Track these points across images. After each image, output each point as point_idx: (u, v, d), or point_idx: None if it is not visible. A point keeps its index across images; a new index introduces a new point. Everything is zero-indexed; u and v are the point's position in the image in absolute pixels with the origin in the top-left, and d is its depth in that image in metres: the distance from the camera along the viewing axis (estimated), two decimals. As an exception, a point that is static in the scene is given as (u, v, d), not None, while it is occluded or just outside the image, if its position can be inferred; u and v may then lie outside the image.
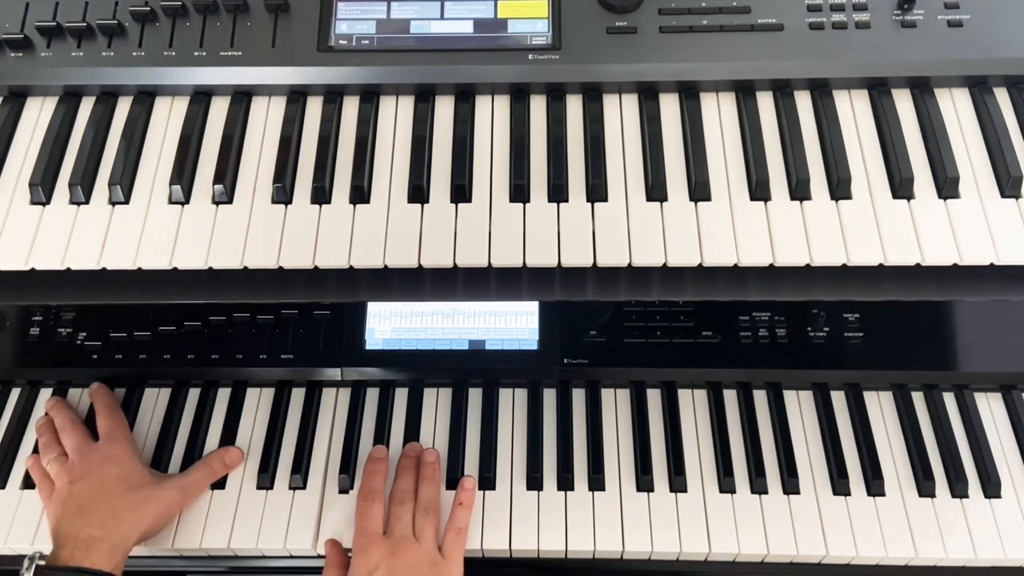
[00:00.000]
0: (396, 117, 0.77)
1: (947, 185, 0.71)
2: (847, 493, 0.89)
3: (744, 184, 0.73)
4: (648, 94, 0.77)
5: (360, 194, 0.73)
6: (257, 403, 0.99)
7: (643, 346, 0.97)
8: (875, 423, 0.94)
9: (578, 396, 0.98)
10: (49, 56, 0.77)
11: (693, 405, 0.96)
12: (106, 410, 0.94)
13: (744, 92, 0.77)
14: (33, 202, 0.74)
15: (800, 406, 0.96)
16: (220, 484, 0.92)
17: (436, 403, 0.98)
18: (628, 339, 0.97)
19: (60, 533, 0.80)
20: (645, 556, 0.87)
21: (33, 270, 0.71)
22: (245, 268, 0.71)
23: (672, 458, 0.92)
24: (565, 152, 0.74)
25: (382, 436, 0.95)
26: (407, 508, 0.87)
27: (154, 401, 0.99)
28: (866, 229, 0.70)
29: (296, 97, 0.78)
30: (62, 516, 0.82)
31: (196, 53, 0.77)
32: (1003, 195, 0.72)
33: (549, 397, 0.98)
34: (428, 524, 0.86)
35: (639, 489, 0.90)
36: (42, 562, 0.77)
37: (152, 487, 0.86)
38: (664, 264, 0.69)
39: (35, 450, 0.94)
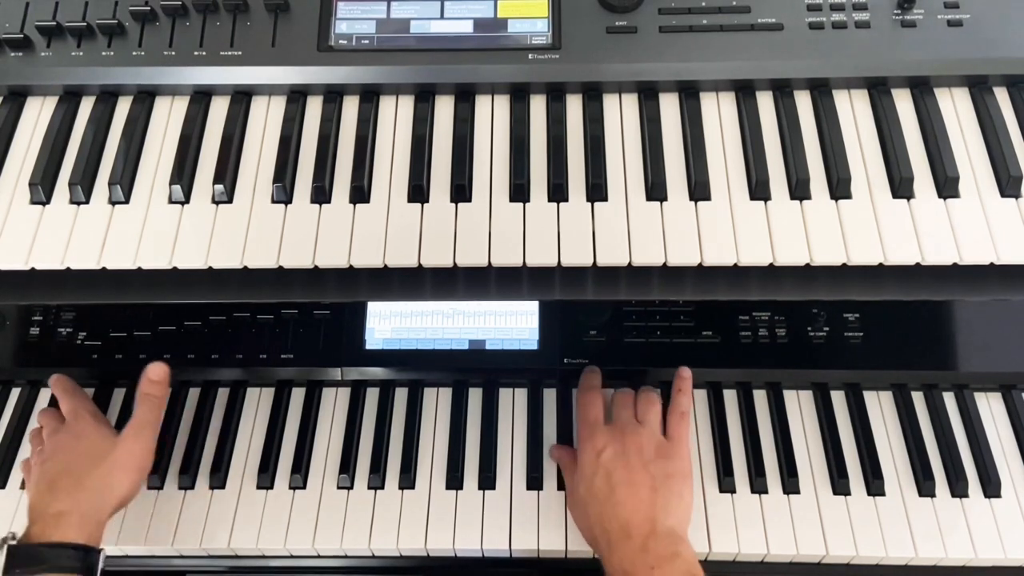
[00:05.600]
0: (396, 117, 0.77)
1: (947, 185, 0.71)
2: (847, 493, 0.89)
3: (744, 184, 0.73)
4: (648, 94, 0.77)
5: (360, 194, 0.73)
6: (257, 403, 0.99)
7: (643, 346, 0.97)
8: (875, 423, 0.94)
9: (578, 396, 0.98)
10: (49, 56, 0.77)
11: (693, 405, 0.96)
12: (65, 394, 0.94)
13: (744, 92, 0.77)
14: (33, 202, 0.74)
15: (800, 406, 0.96)
16: (220, 484, 0.92)
17: (436, 403, 0.98)
18: (628, 339, 0.97)
19: (32, 512, 0.80)
20: (645, 556, 0.87)
21: (33, 270, 0.71)
22: (245, 268, 0.71)
23: (672, 458, 0.91)
24: (565, 152, 0.74)
25: (382, 436, 0.94)
26: (628, 397, 0.90)
27: (154, 401, 0.99)
28: (866, 229, 0.70)
29: (296, 97, 0.78)
30: (34, 495, 0.82)
31: (196, 53, 0.77)
32: (1003, 195, 0.72)
33: (549, 397, 0.98)
34: (651, 409, 0.89)
35: (639, 489, 0.90)
36: (14, 542, 0.76)
37: (114, 450, 0.85)
38: (664, 264, 0.69)
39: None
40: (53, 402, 0.99)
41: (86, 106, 0.79)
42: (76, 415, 0.91)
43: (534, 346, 0.97)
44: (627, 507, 0.79)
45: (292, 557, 0.91)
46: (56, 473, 0.83)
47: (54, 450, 0.86)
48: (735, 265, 0.69)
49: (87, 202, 0.74)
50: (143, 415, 0.88)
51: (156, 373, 0.90)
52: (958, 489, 0.89)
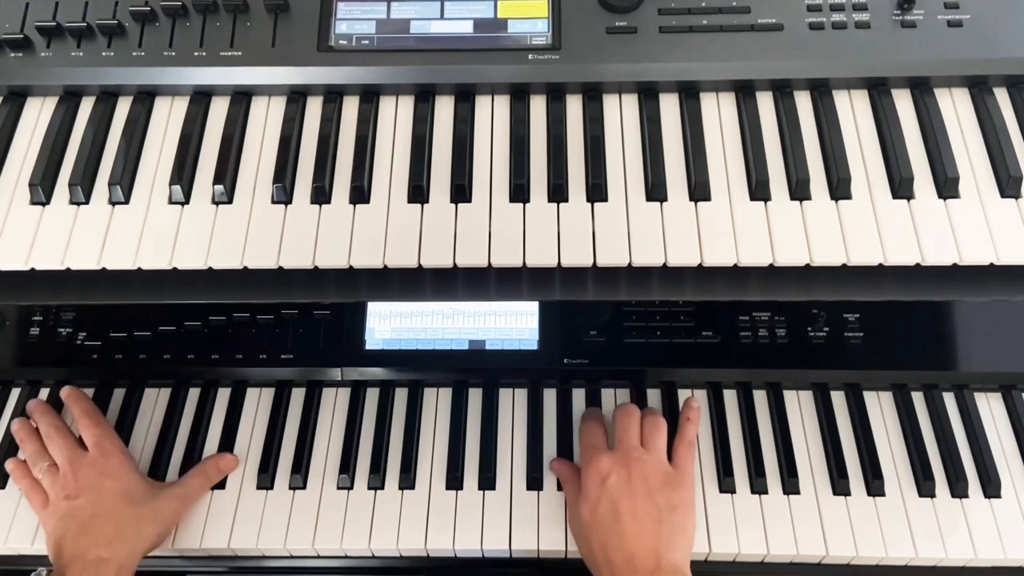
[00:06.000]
0: (396, 117, 0.77)
1: (947, 185, 0.71)
2: (847, 493, 0.89)
3: (744, 184, 0.73)
4: (648, 94, 0.77)
5: (360, 194, 0.73)
6: (257, 403, 0.99)
7: (643, 346, 0.97)
8: (875, 423, 0.94)
9: (578, 396, 0.98)
10: (49, 56, 0.77)
11: (693, 405, 0.96)
12: (88, 418, 0.91)
13: (744, 92, 0.77)
14: (33, 202, 0.74)
15: (800, 406, 0.96)
16: (220, 484, 0.92)
17: (436, 403, 0.98)
18: (628, 339, 0.97)
19: (64, 552, 0.79)
20: (645, 556, 0.87)
21: (33, 270, 0.71)
22: (245, 268, 0.71)
23: (672, 458, 0.91)
24: (565, 152, 0.74)
25: (382, 436, 0.94)
26: (634, 420, 0.88)
27: (154, 401, 0.99)
28: (866, 229, 0.70)
29: (296, 97, 0.78)
30: (64, 535, 0.80)
31: (196, 53, 0.77)
32: (1003, 195, 0.72)
33: (549, 397, 0.98)
34: (657, 435, 0.87)
35: (639, 489, 0.90)
36: None
37: (152, 500, 0.85)
38: (664, 264, 0.69)
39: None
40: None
41: (86, 106, 0.79)
42: (103, 448, 0.88)
43: (534, 346, 0.97)
44: (632, 539, 0.78)
45: (292, 557, 0.91)
46: (90, 516, 0.81)
47: (83, 487, 0.84)
48: (735, 265, 0.69)
49: (87, 202, 0.74)
50: (195, 487, 0.89)
51: (227, 464, 0.92)
52: (958, 489, 0.89)
